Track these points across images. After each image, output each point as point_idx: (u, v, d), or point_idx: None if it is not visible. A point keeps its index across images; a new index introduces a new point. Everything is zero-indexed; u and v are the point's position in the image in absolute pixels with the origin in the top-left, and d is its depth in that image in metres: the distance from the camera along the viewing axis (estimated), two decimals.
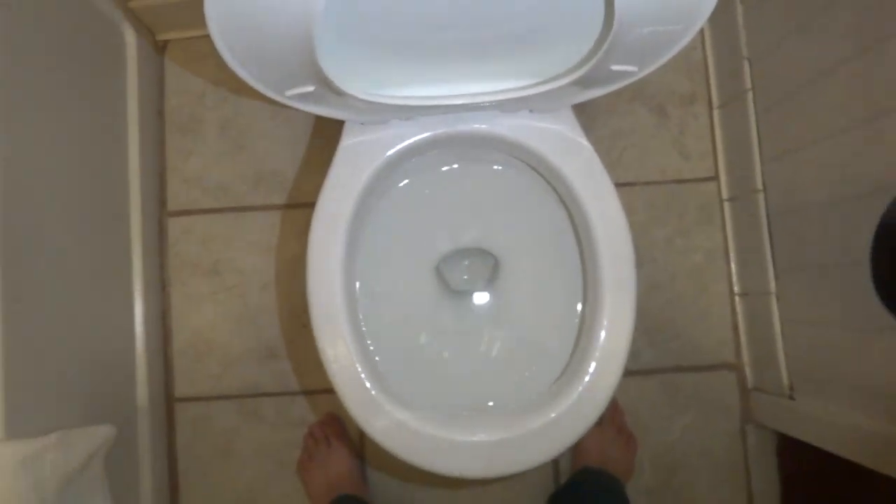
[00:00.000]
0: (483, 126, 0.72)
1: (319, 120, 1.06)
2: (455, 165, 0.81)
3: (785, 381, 0.94)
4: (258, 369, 1.03)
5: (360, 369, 0.69)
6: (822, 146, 0.81)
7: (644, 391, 1.04)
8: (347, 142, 0.73)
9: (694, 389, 1.04)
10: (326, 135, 1.06)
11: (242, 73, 0.58)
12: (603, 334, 0.69)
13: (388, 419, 0.68)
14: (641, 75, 0.63)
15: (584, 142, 0.71)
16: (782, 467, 1.03)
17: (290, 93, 0.61)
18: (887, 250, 0.34)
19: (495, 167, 0.80)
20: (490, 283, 0.88)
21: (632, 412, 1.04)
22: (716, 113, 1.07)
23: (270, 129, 1.07)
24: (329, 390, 0.70)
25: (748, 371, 1.04)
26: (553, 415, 0.68)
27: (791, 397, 0.93)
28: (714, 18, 1.01)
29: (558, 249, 0.80)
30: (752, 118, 0.95)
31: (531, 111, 0.71)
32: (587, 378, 0.69)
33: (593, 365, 0.69)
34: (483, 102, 0.66)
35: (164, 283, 1.05)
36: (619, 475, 0.97)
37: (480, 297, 0.87)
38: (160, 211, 1.06)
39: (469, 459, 0.67)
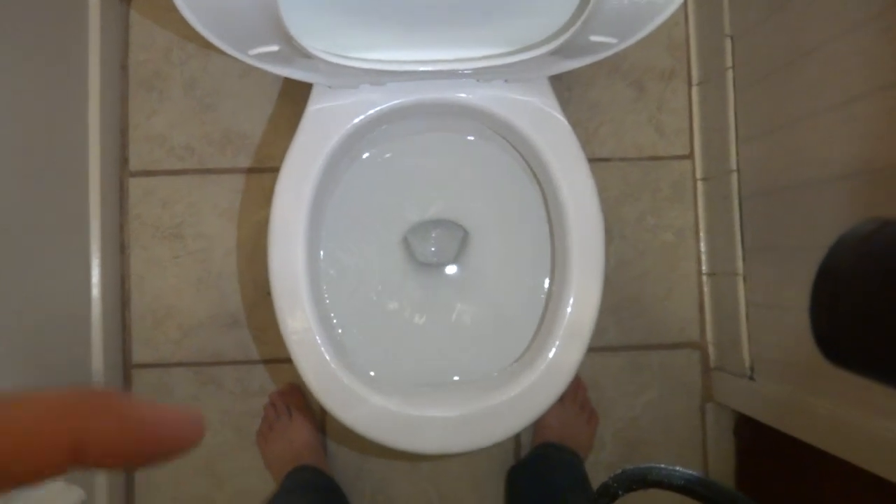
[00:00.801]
0: (456, 95, 0.69)
1: (289, 81, 1.02)
2: (426, 135, 0.78)
3: (746, 361, 0.95)
4: (219, 337, 1.01)
5: (319, 341, 0.68)
6: (796, 128, 0.81)
7: (608, 367, 1.05)
8: (315, 106, 0.70)
9: (658, 367, 1.05)
10: (296, 97, 1.03)
11: (202, 29, 0.55)
12: (569, 310, 0.69)
13: (346, 393, 0.66)
14: (621, 48, 0.61)
15: (560, 115, 0.69)
16: (738, 445, 1.05)
17: (253, 52, 0.58)
18: (826, 295, 0.33)
19: (467, 137, 0.78)
20: (458, 255, 0.86)
21: (595, 388, 1.04)
22: (694, 90, 1.06)
23: (239, 88, 1.03)
24: (291, 360, 0.69)
25: (711, 350, 1.05)
26: (515, 391, 0.67)
27: (751, 378, 0.94)
28: None
29: (528, 223, 0.79)
30: (731, 97, 0.94)
31: (506, 81, 0.68)
32: (551, 354, 0.68)
33: (558, 341, 0.68)
34: (457, 70, 0.63)
35: (123, 246, 1.02)
36: (579, 450, 0.97)
37: (448, 270, 0.86)
38: (121, 170, 1.02)
39: (429, 436, 0.66)
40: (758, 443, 1.01)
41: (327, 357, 0.68)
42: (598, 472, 1.02)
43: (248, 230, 1.02)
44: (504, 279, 0.82)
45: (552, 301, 0.72)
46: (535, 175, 0.74)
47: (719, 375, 1.02)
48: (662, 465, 0.43)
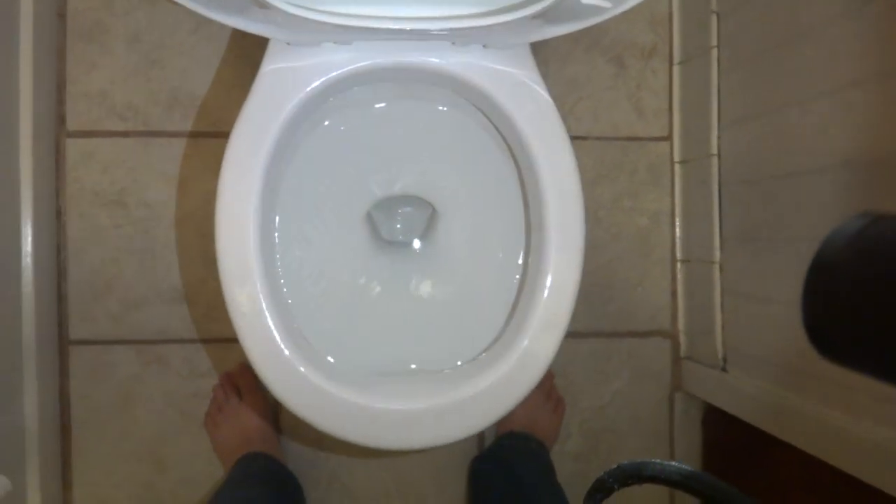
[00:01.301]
0: (429, 59, 0.63)
1: (243, 36, 0.94)
2: (394, 102, 0.72)
3: (719, 352, 0.92)
4: (165, 313, 0.94)
5: (271, 323, 0.61)
6: (785, 114, 0.77)
7: (577, 354, 1.01)
8: (270, 66, 0.63)
9: (627, 355, 1.02)
10: (253, 54, 0.94)
11: None
12: (544, 297, 0.64)
13: (299, 380, 0.61)
14: (615, 13, 0.55)
15: (541, 88, 0.63)
16: (706, 436, 1.03)
17: None
18: (819, 290, 0.32)
19: (439, 108, 0.72)
20: (425, 234, 0.81)
21: (562, 375, 1.00)
22: (675, 69, 1.01)
23: (190, 44, 0.94)
24: None
25: (682, 339, 1.02)
26: (484, 384, 0.63)
27: (723, 369, 0.92)
28: None
29: (501, 202, 0.73)
30: (714, 78, 0.90)
31: (485, 47, 0.62)
32: (524, 344, 0.63)
33: (531, 331, 0.63)
34: (431, 30, 0.57)
35: (59, 212, 0.93)
36: (545, 439, 0.94)
37: (414, 249, 0.81)
38: (57, 129, 0.93)
39: (390, 430, 0.61)
40: (726, 435, 0.99)
41: (279, 340, 0.62)
42: (563, 461, 0.99)
43: (196, 199, 0.94)
44: (473, 261, 0.77)
45: (526, 287, 0.67)
46: (511, 151, 0.69)
47: (690, 365, 1.00)
48: (658, 460, 0.42)
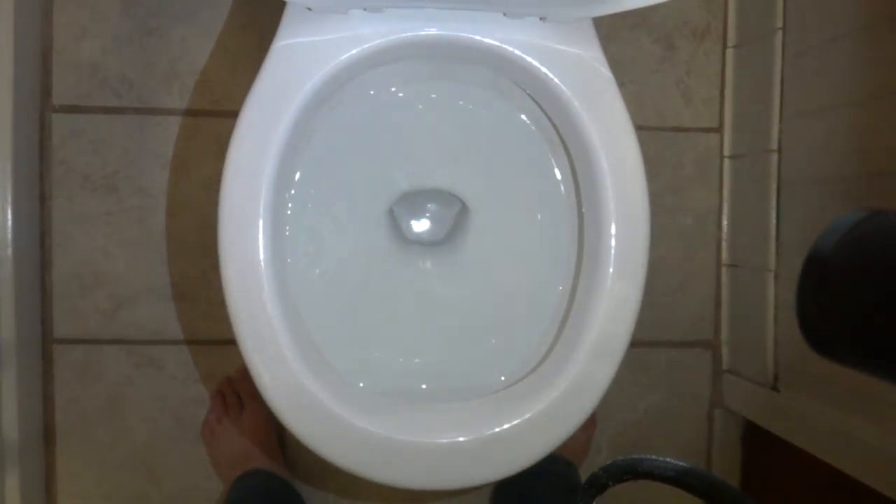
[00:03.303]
0: (475, 33, 0.53)
1: (253, 2, 0.84)
2: (428, 83, 0.62)
3: (770, 369, 0.84)
4: (160, 310, 0.85)
5: (277, 330, 0.52)
6: (867, 108, 0.68)
7: None
8: (286, 40, 0.54)
9: (665, 367, 0.93)
10: (264, 24, 0.85)
11: None
12: (601, 315, 0.55)
13: (308, 400, 0.52)
14: None
15: (606, 70, 0.54)
16: (745, 456, 0.95)
17: None
18: (813, 283, 0.31)
19: (480, 91, 0.62)
20: (454, 233, 0.72)
21: None
22: (729, 53, 0.91)
23: (193, 11, 0.85)
24: None
25: (725, 350, 0.94)
26: (530, 413, 0.54)
27: (775, 388, 0.83)
28: None
29: (547, 203, 0.64)
30: (778, 64, 0.81)
31: (542, 19, 0.53)
32: (577, 369, 0.55)
33: (585, 355, 0.55)
34: None
35: (43, 196, 0.84)
36: (573, 457, 0.86)
37: (441, 250, 0.72)
38: (42, 103, 0.84)
39: (417, 466, 0.53)
40: (767, 455, 0.91)
41: (286, 350, 0.53)
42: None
43: (197, 185, 0.85)
44: (511, 266, 0.68)
45: (578, 300, 0.58)
46: (563, 143, 0.59)
47: (732, 380, 0.91)
48: (654, 456, 0.42)
